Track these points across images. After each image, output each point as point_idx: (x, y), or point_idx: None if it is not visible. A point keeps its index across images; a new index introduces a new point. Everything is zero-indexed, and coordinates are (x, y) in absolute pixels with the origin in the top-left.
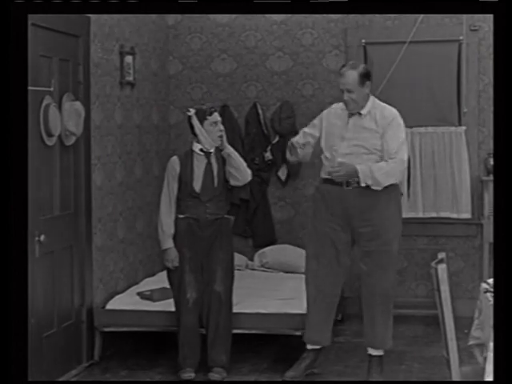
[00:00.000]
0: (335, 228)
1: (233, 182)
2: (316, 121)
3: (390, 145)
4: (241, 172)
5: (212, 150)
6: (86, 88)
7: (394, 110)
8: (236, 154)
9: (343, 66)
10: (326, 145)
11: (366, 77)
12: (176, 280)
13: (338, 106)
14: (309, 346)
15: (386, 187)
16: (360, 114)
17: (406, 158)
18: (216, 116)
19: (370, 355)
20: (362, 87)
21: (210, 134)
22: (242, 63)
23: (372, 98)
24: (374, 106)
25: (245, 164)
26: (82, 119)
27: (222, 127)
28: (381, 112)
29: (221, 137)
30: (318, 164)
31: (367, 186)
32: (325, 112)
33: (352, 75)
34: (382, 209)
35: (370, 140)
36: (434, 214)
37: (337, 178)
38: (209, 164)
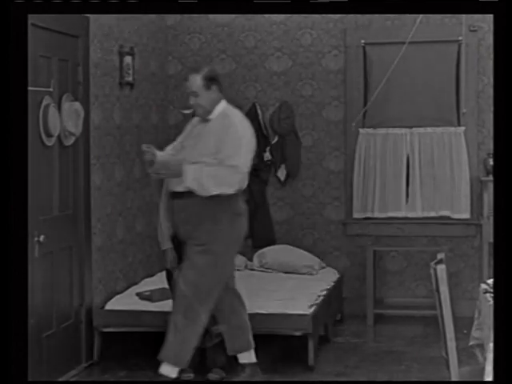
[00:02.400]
0: (176, 243)
1: None
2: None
3: (223, 150)
4: None
5: None
6: (86, 88)
7: (239, 116)
8: None
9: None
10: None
11: (211, 80)
12: (175, 280)
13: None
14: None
15: (217, 197)
16: (207, 120)
17: (243, 165)
18: None
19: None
20: (208, 91)
21: None
22: (241, 63)
23: (223, 103)
24: (224, 111)
25: None
26: (81, 119)
27: None
28: (223, 117)
29: None
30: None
31: (194, 197)
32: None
33: (195, 79)
34: (209, 223)
35: (209, 147)
36: (433, 214)
37: (157, 177)
38: None
